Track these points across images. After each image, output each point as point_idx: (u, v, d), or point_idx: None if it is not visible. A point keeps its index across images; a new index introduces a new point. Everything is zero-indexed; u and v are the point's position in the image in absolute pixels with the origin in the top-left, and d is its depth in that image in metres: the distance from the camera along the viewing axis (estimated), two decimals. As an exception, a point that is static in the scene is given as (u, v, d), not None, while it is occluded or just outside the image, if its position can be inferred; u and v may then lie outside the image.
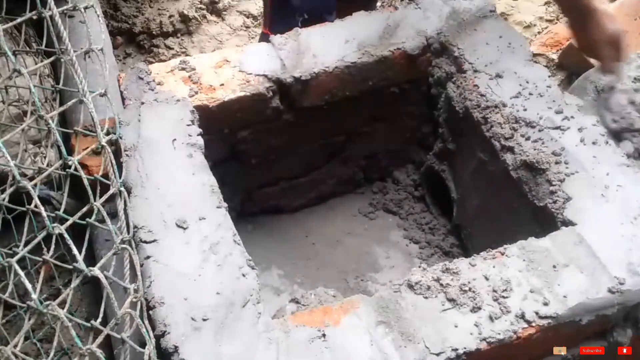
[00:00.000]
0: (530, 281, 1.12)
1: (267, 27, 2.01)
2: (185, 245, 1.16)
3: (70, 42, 1.13)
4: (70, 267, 0.98)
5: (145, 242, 1.16)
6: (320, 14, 1.83)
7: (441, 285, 1.12)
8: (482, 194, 1.55)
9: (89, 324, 0.96)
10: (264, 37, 2.05)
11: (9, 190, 1.06)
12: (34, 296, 0.91)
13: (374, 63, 1.54)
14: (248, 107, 1.49)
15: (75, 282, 1.00)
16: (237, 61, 1.52)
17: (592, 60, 2.20)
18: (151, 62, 2.48)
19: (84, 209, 1.08)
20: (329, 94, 1.56)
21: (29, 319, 0.94)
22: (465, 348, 1.04)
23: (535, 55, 1.75)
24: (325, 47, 1.54)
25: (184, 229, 1.18)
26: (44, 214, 0.97)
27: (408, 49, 1.55)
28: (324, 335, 1.06)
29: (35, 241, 0.99)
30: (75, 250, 0.97)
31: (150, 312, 1.07)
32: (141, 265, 1.12)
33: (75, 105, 1.19)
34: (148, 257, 1.13)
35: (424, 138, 1.78)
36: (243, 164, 1.65)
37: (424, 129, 1.76)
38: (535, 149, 1.32)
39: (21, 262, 0.97)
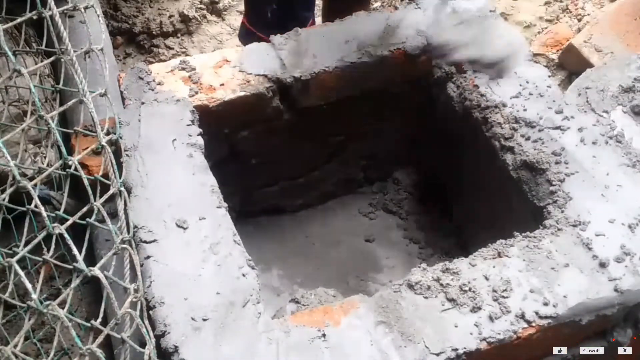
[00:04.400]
0: (530, 281, 1.12)
1: (245, 15, 2.00)
2: (185, 245, 1.16)
3: (70, 42, 1.13)
4: (70, 267, 0.98)
5: (145, 242, 1.16)
6: (292, 7, 1.80)
7: (441, 285, 1.12)
8: (482, 194, 1.55)
9: (89, 324, 0.96)
10: (242, 27, 2.05)
11: (9, 190, 1.06)
12: (34, 296, 0.91)
13: (374, 63, 1.54)
14: (248, 107, 1.49)
15: (75, 282, 1.00)
16: (237, 61, 1.51)
17: (593, 60, 2.21)
18: (151, 62, 2.48)
19: (84, 209, 1.08)
20: (329, 94, 1.56)
21: (29, 319, 0.94)
22: (465, 348, 1.04)
23: (535, 55, 1.75)
24: (325, 47, 1.54)
25: (184, 229, 1.18)
26: (44, 214, 0.97)
27: (408, 49, 1.55)
28: (324, 335, 1.06)
29: (35, 241, 0.99)
30: (75, 250, 0.97)
31: (150, 312, 1.07)
32: (141, 265, 1.12)
33: (75, 105, 1.19)
34: (148, 257, 1.13)
35: (424, 138, 1.78)
36: (243, 164, 1.65)
37: (424, 129, 1.76)
38: (535, 149, 1.32)
39: (21, 262, 0.97)
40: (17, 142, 1.45)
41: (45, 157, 1.60)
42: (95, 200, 1.08)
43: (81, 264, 0.96)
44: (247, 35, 2.02)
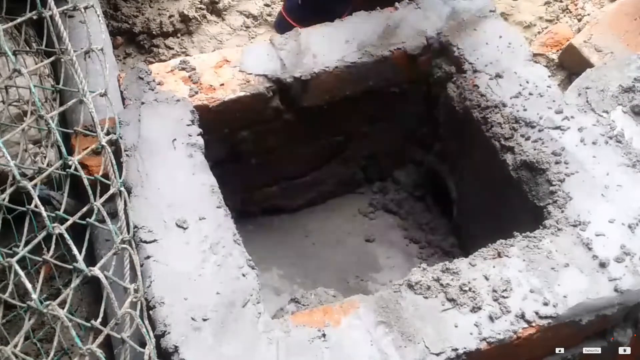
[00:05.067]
0: (530, 281, 1.12)
1: (283, 4, 1.98)
2: (185, 245, 1.16)
3: (70, 42, 1.13)
4: (70, 267, 0.98)
5: (145, 242, 1.16)
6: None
7: (441, 285, 1.12)
8: (482, 194, 1.55)
9: (89, 324, 0.96)
10: (279, 14, 2.02)
11: (9, 190, 1.06)
12: (34, 296, 0.91)
13: (374, 63, 1.54)
14: (248, 107, 1.49)
15: (75, 282, 1.00)
16: (237, 61, 1.51)
17: (593, 60, 2.21)
18: (151, 62, 2.48)
19: (84, 209, 1.08)
20: (329, 94, 1.56)
21: (29, 319, 0.94)
22: (465, 348, 1.04)
23: (535, 55, 1.75)
24: (325, 47, 1.54)
25: (184, 229, 1.18)
26: (44, 214, 0.98)
27: (408, 49, 1.55)
28: (324, 335, 1.06)
29: (35, 241, 0.99)
30: (75, 250, 0.97)
31: (150, 312, 1.07)
32: (141, 265, 1.12)
33: (75, 105, 1.19)
34: (148, 257, 1.13)
35: (424, 138, 1.78)
36: (243, 164, 1.65)
37: (424, 129, 1.76)
38: (535, 149, 1.32)
39: (21, 262, 0.97)
40: (17, 142, 1.45)
41: (45, 157, 1.60)
42: (95, 200, 1.08)
43: (81, 264, 0.96)
44: (280, 23, 2.00)
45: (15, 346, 0.92)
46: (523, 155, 1.32)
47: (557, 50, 2.41)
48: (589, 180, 1.26)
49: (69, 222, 1.02)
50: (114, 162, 1.14)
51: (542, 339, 1.10)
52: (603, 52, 2.24)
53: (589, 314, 1.10)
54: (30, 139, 1.68)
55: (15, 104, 1.60)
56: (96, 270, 0.96)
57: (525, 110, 1.39)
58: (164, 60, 2.30)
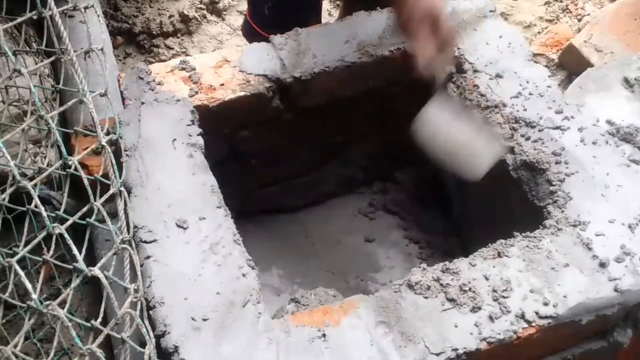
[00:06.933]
0: (530, 281, 1.12)
1: (248, 10, 2.00)
2: (185, 245, 1.16)
3: (70, 42, 1.13)
4: (70, 267, 0.98)
5: (145, 242, 1.16)
6: (287, 7, 1.78)
7: (441, 285, 1.12)
8: (482, 194, 1.55)
9: (89, 324, 0.96)
10: (245, 22, 2.04)
11: (9, 190, 1.06)
12: (34, 296, 0.91)
13: (374, 63, 1.54)
14: (248, 107, 1.49)
15: (75, 282, 1.00)
16: (237, 61, 1.51)
17: (593, 60, 2.21)
18: (151, 62, 2.48)
19: (84, 209, 1.08)
20: (329, 94, 1.56)
21: (29, 319, 0.94)
22: (465, 348, 1.04)
23: (535, 55, 1.75)
24: (325, 47, 1.54)
25: (184, 229, 1.18)
26: (44, 214, 0.97)
27: (408, 49, 1.55)
28: (324, 335, 1.06)
29: (35, 241, 0.99)
30: (75, 250, 0.97)
31: (150, 312, 1.07)
32: (141, 265, 1.12)
33: (75, 105, 1.19)
34: (148, 257, 1.13)
35: (424, 138, 1.78)
36: (243, 164, 1.65)
37: (424, 129, 1.76)
38: (535, 149, 1.32)
39: (21, 262, 0.97)
40: (17, 142, 1.46)
41: (45, 157, 1.61)
42: (95, 200, 1.08)
43: (81, 264, 0.96)
44: (249, 32, 2.01)
45: (15, 346, 0.92)
46: (523, 155, 1.32)
47: (557, 50, 2.42)
48: (589, 180, 1.26)
49: (69, 222, 1.02)
50: (114, 162, 1.14)
51: (542, 339, 1.10)
52: (603, 52, 2.24)
53: (589, 314, 1.10)
54: (30, 139, 1.68)
55: (15, 104, 1.60)
56: (96, 270, 0.96)
57: (525, 110, 1.39)
58: (164, 60, 2.30)
